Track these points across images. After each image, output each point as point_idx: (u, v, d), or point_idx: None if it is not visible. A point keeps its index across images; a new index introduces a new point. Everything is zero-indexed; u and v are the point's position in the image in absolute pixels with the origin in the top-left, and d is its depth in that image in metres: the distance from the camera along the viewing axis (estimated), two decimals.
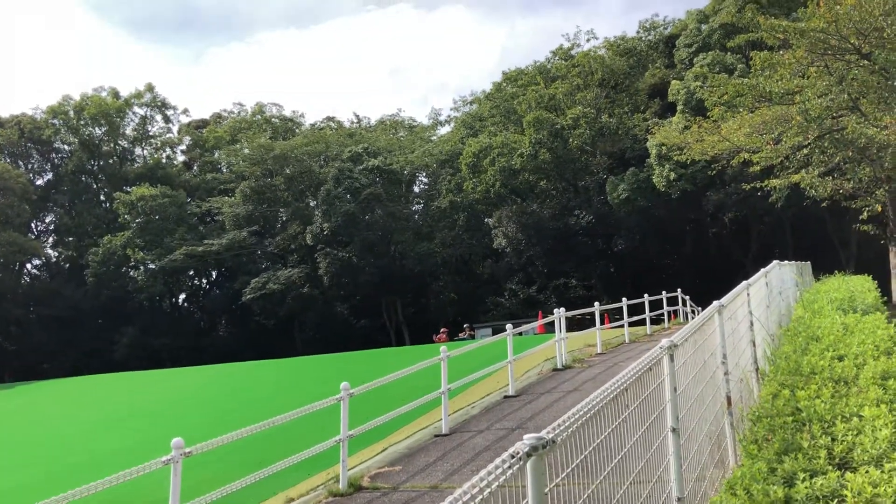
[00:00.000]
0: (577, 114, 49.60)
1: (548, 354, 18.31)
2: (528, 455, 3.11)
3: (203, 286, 76.92)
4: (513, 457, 3.03)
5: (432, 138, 70.85)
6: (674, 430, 5.27)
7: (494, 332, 33.15)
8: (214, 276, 75.23)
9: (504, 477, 2.91)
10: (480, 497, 2.78)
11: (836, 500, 3.86)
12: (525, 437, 3.19)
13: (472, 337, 24.99)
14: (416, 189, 68.12)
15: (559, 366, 17.10)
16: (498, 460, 2.97)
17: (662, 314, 27.19)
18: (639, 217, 48.25)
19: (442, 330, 36.67)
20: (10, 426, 29.00)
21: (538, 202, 53.92)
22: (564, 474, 3.58)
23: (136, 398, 30.24)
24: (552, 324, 25.32)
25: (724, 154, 30.04)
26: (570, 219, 52.31)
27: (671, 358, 5.41)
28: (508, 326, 15.32)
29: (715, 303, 7.54)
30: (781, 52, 26.26)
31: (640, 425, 4.75)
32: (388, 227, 58.23)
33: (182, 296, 75.93)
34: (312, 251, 59.82)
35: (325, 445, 9.81)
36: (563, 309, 17.95)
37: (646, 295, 23.57)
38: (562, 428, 3.43)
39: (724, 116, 29.95)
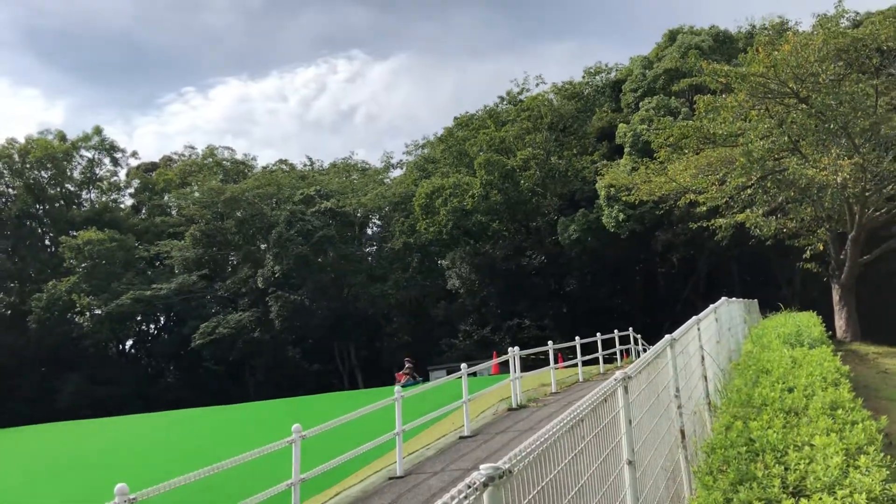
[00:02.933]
0: (527, 156, 50.33)
1: (503, 394, 18.23)
2: (485, 485, 3.05)
3: (151, 331, 75.09)
4: (469, 486, 2.97)
5: (385, 181, 71.07)
6: (630, 462, 5.25)
7: (449, 374, 32.95)
8: (163, 322, 73.55)
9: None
10: None
11: None
12: (481, 466, 3.13)
13: (413, 378, 24.23)
14: (370, 231, 68.04)
15: (514, 405, 17.03)
16: (454, 490, 2.91)
17: (615, 353, 27.38)
18: (589, 257, 48.84)
19: (406, 358, 36.23)
20: None
21: (491, 243, 54.26)
22: None
23: (79, 447, 29.18)
24: (506, 364, 25.31)
25: (671, 194, 30.75)
26: (522, 259, 52.69)
27: (625, 389, 5.41)
28: (463, 366, 15.24)
29: (667, 336, 7.60)
30: (724, 96, 27.13)
31: (597, 457, 4.72)
32: (340, 269, 57.87)
33: (129, 342, 73.93)
34: (264, 294, 59.03)
35: (276, 489, 9.54)
36: (517, 348, 17.94)
37: (598, 334, 23.72)
38: (518, 458, 3.38)
39: (671, 158, 30.73)
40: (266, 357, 60.53)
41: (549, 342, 20.42)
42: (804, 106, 24.42)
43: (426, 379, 32.56)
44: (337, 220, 58.87)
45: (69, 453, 28.17)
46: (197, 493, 13.61)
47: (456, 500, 2.86)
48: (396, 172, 74.08)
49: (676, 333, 8.02)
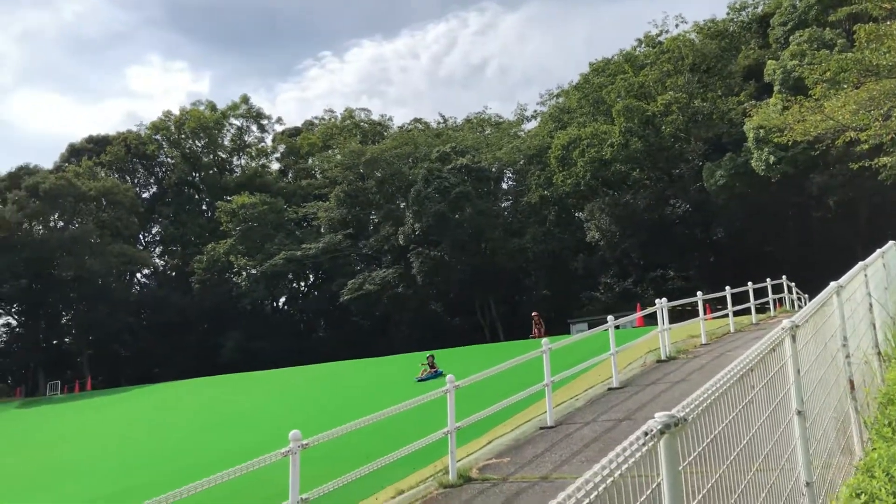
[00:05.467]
0: (669, 100, 48.40)
1: (650, 346, 17.94)
2: (662, 433, 3.07)
3: (302, 289, 79.02)
4: (646, 434, 3.00)
5: (519, 134, 70.52)
6: (799, 412, 5.10)
7: (590, 328, 32.65)
8: (312, 279, 77.18)
9: (639, 454, 2.89)
10: (612, 478, 2.76)
11: None
12: (657, 414, 3.15)
13: (434, 371, 22.67)
14: (505, 186, 68.02)
15: (663, 357, 16.73)
16: (632, 437, 2.95)
17: (767, 302, 26.22)
18: (738, 203, 46.69)
19: (533, 314, 36.31)
20: (129, 429, 30.55)
21: (631, 193, 52.92)
22: (692, 457, 3.50)
23: (243, 399, 31.33)
24: (651, 317, 24.80)
25: (827, 133, 28.73)
26: (665, 208, 51.11)
27: (793, 338, 5.23)
28: (609, 318, 15.09)
29: (833, 283, 7.25)
30: (889, 23, 24.89)
31: (766, 408, 4.62)
32: (478, 225, 58.34)
33: (282, 299, 78.22)
34: (405, 251, 60.58)
35: (432, 438, 9.93)
36: (664, 299, 17.56)
37: (749, 283, 22.78)
38: (692, 406, 3.37)
39: (827, 94, 28.63)
40: (410, 311, 62.39)
41: (699, 292, 19.81)
42: None
43: (559, 331, 32.17)
44: (472, 176, 59.22)
45: (236, 404, 30.34)
46: (360, 440, 14.38)
47: (634, 447, 2.90)
48: (531, 125, 73.39)
49: (843, 280, 7.62)
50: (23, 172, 73.74)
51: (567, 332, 43.75)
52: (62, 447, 28.39)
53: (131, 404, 39.77)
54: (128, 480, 17.64)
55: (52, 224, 71.73)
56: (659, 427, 3.07)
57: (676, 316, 24.93)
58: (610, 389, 14.09)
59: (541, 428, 11.83)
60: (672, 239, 50.62)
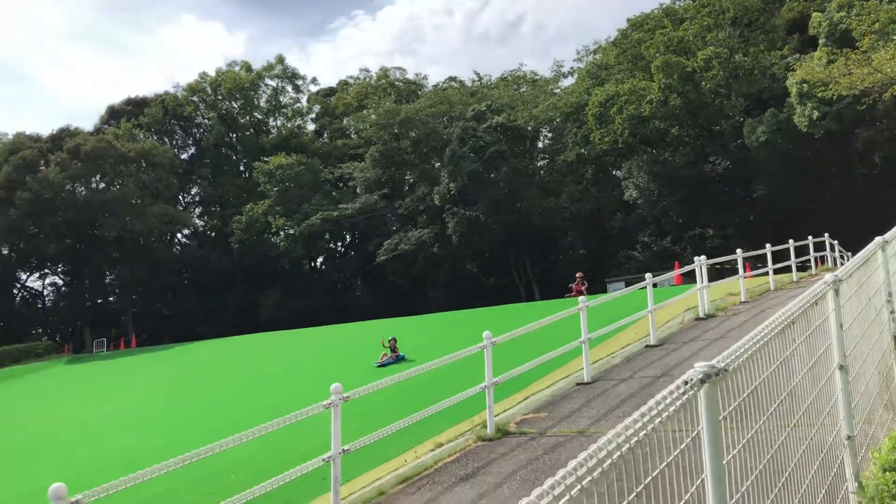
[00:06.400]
0: (709, 55, 47.28)
1: (688, 304, 17.84)
2: (702, 382, 3.10)
3: (339, 249, 79.75)
4: (686, 383, 3.03)
5: (556, 91, 69.57)
6: (841, 366, 5.08)
7: (627, 286, 32.43)
8: (349, 240, 77.78)
9: (679, 402, 2.92)
10: (652, 425, 2.79)
11: None
12: (696, 364, 3.17)
13: (581, 291, 21.39)
14: (541, 144, 67.40)
15: (701, 314, 16.64)
16: (672, 386, 2.98)
17: (808, 261, 25.83)
18: (779, 160, 45.73)
19: (577, 275, 36.13)
20: (173, 384, 31.37)
21: (670, 150, 52.13)
22: (731, 408, 3.52)
23: (284, 355, 31.93)
24: (689, 275, 24.61)
25: (875, 87, 27.99)
26: (704, 166, 50.29)
27: (836, 293, 5.19)
28: (647, 275, 15.04)
29: (878, 238, 7.14)
30: None
31: (807, 361, 4.61)
32: (513, 184, 58.04)
33: (320, 259, 79.10)
34: (440, 211, 60.62)
35: (470, 392, 10.08)
36: (703, 257, 17.41)
37: (790, 240, 22.45)
38: (732, 357, 3.38)
39: (875, 46, 27.81)
40: (445, 271, 62.66)
41: (738, 250, 19.59)
42: None
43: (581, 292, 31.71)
44: (508, 135, 58.78)
45: (277, 359, 30.93)
46: (398, 395, 14.62)
47: (674, 395, 2.93)
48: (567, 82, 72.29)
49: (888, 235, 7.50)
50: (64, 135, 74.93)
51: (604, 291, 43.61)
52: (111, 401, 29.29)
53: (174, 361, 40.76)
54: (173, 433, 18.19)
55: (93, 185, 73.01)
56: (699, 376, 3.09)
57: (715, 275, 24.71)
58: (647, 347, 14.09)
59: (577, 384, 11.91)
60: (711, 197, 49.88)
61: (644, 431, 2.73)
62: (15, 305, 79.58)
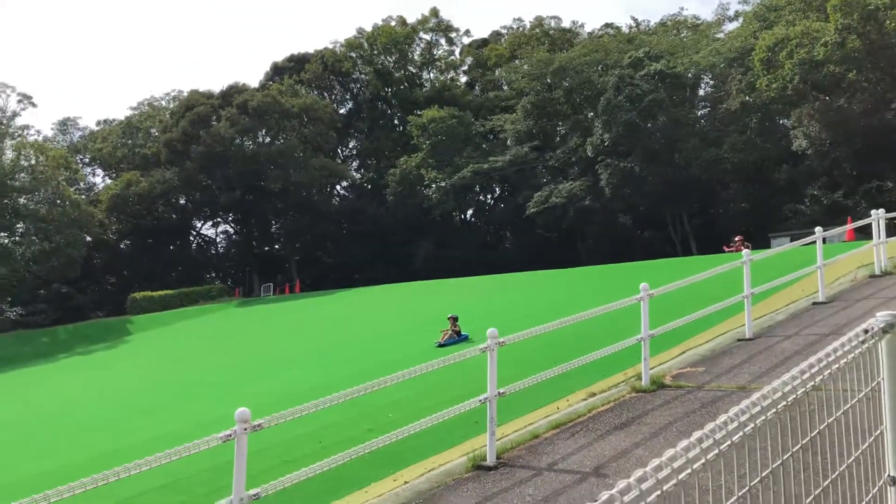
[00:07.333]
0: None
1: (862, 261, 16.72)
2: (884, 332, 2.98)
3: (488, 201, 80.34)
4: (867, 332, 2.93)
5: (719, 36, 65.79)
6: None
7: (792, 241, 30.69)
8: (498, 192, 78.12)
9: (858, 351, 2.84)
10: (829, 371, 2.73)
11: None
12: (878, 314, 3.05)
13: (457, 334, 19.29)
14: (702, 92, 64.24)
15: (877, 272, 15.54)
16: (850, 334, 2.90)
17: None
18: None
19: (736, 238, 34.60)
20: (336, 327, 33.13)
21: (846, 97, 48.15)
22: None
23: (437, 301, 32.84)
24: (862, 231, 22.95)
25: None
26: (886, 113, 46.18)
27: None
28: (818, 229, 14.19)
29: None
30: None
31: None
32: (671, 134, 55.82)
33: (470, 211, 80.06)
34: (593, 163, 59.46)
35: (624, 344, 10.03)
36: (881, 210, 16.18)
37: None
38: None
39: None
40: (597, 225, 61.68)
41: None
42: None
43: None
44: (667, 83, 56.41)
45: (432, 306, 31.88)
46: (553, 345, 14.77)
47: (854, 343, 2.85)
48: (732, 25, 68.05)
49: None
50: (233, 91, 79.55)
51: (767, 246, 41.47)
52: (279, 340, 31.42)
53: (335, 305, 42.96)
54: (335, 372, 19.31)
55: (259, 139, 77.32)
56: (881, 325, 2.98)
57: (894, 230, 22.86)
58: (815, 304, 13.38)
59: (738, 340, 11.54)
60: (891, 147, 45.77)
61: (818, 379, 2.68)
62: (191, 251, 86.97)
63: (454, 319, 20.54)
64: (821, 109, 48.00)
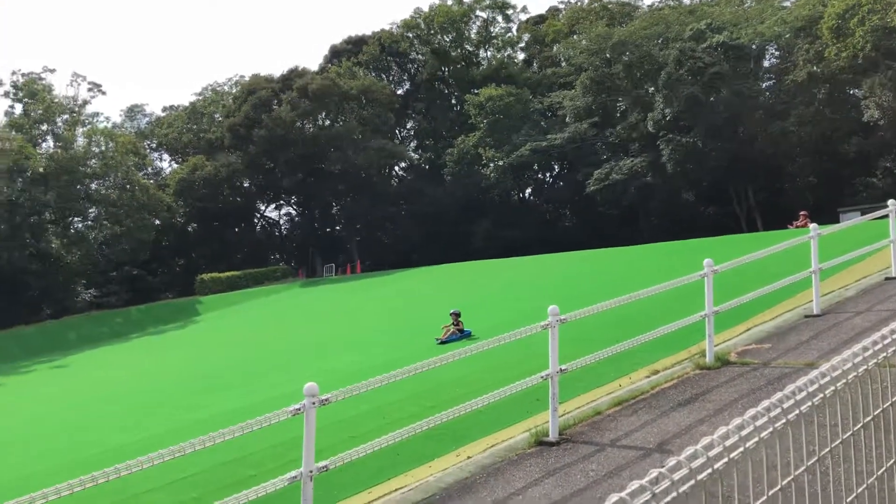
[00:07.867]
0: None
1: None
2: None
3: (547, 180, 79.74)
4: None
5: (785, 4, 63.64)
6: None
7: (862, 215, 29.74)
8: (557, 170, 77.43)
9: None
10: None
11: None
12: None
13: (460, 331, 18.40)
14: (767, 63, 62.30)
15: None
16: None
17: None
18: None
19: (801, 213, 33.70)
20: (396, 306, 33.50)
21: None
22: None
23: (497, 281, 32.93)
24: None
25: None
26: None
27: None
28: (890, 202, 13.73)
29: None
30: None
31: None
32: (734, 107, 54.39)
33: (528, 190, 79.63)
34: (654, 139, 58.41)
35: (688, 321, 9.94)
36: None
37: None
38: None
39: None
40: (659, 201, 60.70)
41: None
42: None
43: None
44: (730, 55, 54.87)
45: (491, 285, 31.96)
46: (615, 323, 14.71)
47: None
48: None
49: None
50: (293, 75, 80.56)
51: (836, 221, 40.23)
52: (344, 319, 31.95)
53: (396, 285, 43.41)
54: (396, 352, 19.59)
55: (319, 122, 78.21)
56: None
57: None
58: (888, 279, 13.01)
59: (805, 316, 11.32)
60: None
61: (889, 352, 2.67)
62: (256, 233, 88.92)
63: (456, 315, 19.90)
64: (894, 78, 46.14)
